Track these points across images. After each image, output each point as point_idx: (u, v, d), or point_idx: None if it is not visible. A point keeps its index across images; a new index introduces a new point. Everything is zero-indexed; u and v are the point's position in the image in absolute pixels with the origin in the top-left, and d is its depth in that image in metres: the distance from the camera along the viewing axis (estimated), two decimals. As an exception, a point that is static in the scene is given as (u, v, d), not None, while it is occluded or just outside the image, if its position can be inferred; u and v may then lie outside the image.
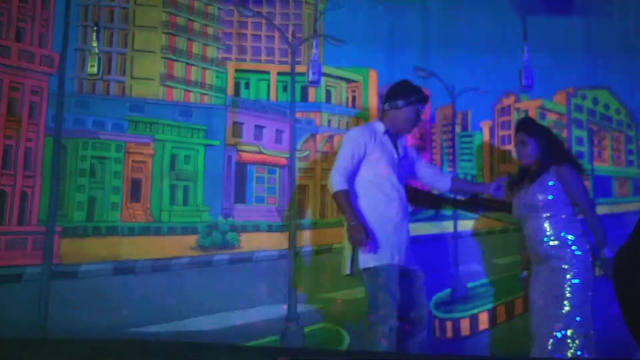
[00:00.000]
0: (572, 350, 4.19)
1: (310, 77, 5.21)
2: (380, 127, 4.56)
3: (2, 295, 4.85)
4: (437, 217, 5.45)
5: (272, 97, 5.43)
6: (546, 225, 4.35)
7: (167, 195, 5.17)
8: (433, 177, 4.89)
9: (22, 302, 4.87)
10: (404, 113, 4.54)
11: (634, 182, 5.80)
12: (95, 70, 4.99)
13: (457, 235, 5.40)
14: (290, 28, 5.55)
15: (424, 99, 4.59)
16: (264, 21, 5.53)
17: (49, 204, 5.01)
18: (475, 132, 5.61)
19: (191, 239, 5.13)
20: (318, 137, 5.40)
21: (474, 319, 5.29)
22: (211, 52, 5.46)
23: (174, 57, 5.38)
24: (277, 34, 5.53)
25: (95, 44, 5.00)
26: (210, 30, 5.49)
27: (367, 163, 4.46)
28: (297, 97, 5.42)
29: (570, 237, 4.31)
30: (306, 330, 5.06)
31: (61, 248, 5.00)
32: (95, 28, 5.05)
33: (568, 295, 4.22)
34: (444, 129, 5.57)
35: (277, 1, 5.57)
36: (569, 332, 4.21)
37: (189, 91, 5.28)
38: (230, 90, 5.32)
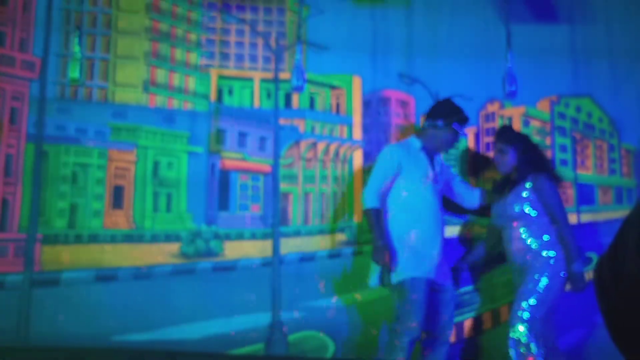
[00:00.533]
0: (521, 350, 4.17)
1: (294, 82, 5.21)
2: (416, 143, 4.67)
3: (-17, 303, 4.83)
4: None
5: (256, 104, 5.43)
6: (522, 235, 4.36)
7: (149, 202, 5.15)
8: (465, 195, 4.95)
9: (2, 309, 4.83)
10: (443, 133, 4.65)
11: (617, 190, 5.85)
12: (77, 75, 4.95)
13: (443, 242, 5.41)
14: (274, 35, 5.55)
15: (464, 120, 4.67)
16: (247, 28, 5.53)
17: (30, 210, 4.97)
18: (460, 138, 5.63)
19: (174, 247, 5.11)
20: (302, 144, 5.40)
21: (459, 326, 5.29)
22: (194, 58, 5.45)
23: (157, 63, 5.36)
24: (260, 41, 5.53)
25: (77, 49, 4.96)
26: (193, 37, 5.47)
27: (401, 179, 4.58)
28: (281, 103, 5.42)
29: (545, 248, 4.32)
30: (290, 338, 5.05)
31: (42, 255, 4.96)
32: (77, 33, 5.01)
33: (529, 296, 4.22)
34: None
35: (261, 8, 5.57)
36: (520, 328, 4.19)
37: (172, 97, 5.25)
38: (213, 96, 5.30)
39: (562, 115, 5.80)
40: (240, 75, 5.48)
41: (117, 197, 5.09)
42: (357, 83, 5.50)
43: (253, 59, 5.51)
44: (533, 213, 4.35)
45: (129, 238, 5.09)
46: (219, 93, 5.39)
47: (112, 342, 4.80)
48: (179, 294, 5.00)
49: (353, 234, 5.32)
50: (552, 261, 4.29)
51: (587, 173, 5.78)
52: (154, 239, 5.12)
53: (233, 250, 5.14)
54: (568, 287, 4.32)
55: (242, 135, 5.32)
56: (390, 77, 5.44)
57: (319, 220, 5.29)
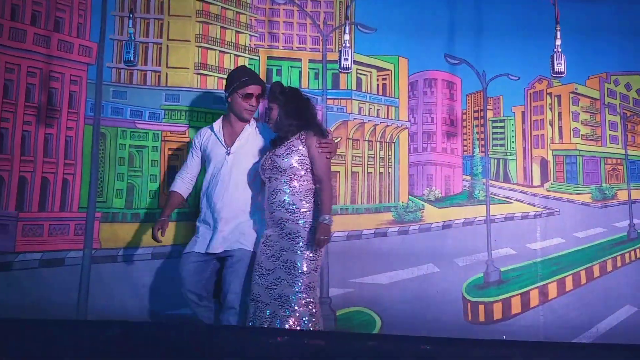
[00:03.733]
0: (295, 317, 4.10)
1: (342, 63, 5.23)
2: (216, 123, 4.67)
3: (46, 278, 5.03)
4: (469, 202, 5.48)
5: (304, 85, 5.48)
6: (286, 189, 4.24)
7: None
8: None
9: (64, 285, 5.03)
10: (231, 103, 4.60)
11: (668, 167, 5.76)
12: (130, 57, 5.07)
13: (490, 220, 5.43)
14: (322, 15, 5.58)
15: (244, 85, 4.56)
16: (296, 9, 5.58)
17: (89, 191, 5.16)
18: (507, 117, 5.61)
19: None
20: (349, 124, 5.45)
21: (506, 303, 5.31)
22: (244, 39, 5.53)
23: (207, 46, 5.45)
24: (308, 22, 5.57)
25: (131, 31, 5.08)
26: (243, 18, 5.55)
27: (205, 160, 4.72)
28: (328, 84, 5.47)
29: (307, 204, 4.23)
30: (338, 313, 5.14)
31: (101, 233, 5.15)
32: (130, 15, 5.12)
33: (298, 262, 4.14)
34: (475, 115, 5.58)
35: (309, -11, 5.62)
36: (294, 298, 4.13)
37: (223, 79, 5.33)
38: (262, 77, 5.35)
39: (612, 93, 5.73)
40: (289, 56, 5.55)
41: (172, 178, 5.19)
42: (403, 64, 5.51)
43: (301, 39, 5.56)
44: (300, 169, 4.25)
45: (183, 216, 5.21)
46: (268, 73, 5.46)
47: (164, 316, 4.96)
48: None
49: (399, 214, 5.37)
50: (312, 222, 4.20)
51: (638, 150, 5.70)
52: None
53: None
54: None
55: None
56: (437, 58, 5.44)
57: (365, 200, 5.35)
